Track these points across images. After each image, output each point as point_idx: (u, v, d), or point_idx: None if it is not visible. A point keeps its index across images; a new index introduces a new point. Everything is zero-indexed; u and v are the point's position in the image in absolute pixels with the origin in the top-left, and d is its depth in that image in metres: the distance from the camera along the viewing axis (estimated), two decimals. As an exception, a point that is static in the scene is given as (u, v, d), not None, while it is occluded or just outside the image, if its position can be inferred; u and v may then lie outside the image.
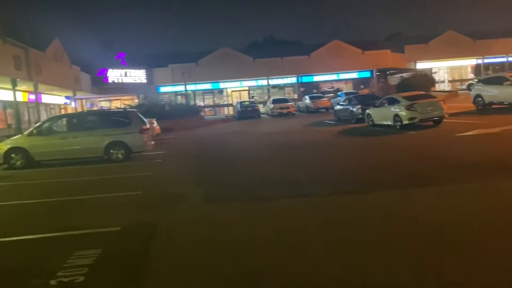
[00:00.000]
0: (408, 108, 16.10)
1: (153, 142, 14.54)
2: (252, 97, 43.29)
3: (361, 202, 6.49)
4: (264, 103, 40.00)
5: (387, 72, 42.44)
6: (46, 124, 14.09)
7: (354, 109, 21.77)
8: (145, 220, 6.33)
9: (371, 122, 18.89)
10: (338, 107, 24.49)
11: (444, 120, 16.66)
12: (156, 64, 41.13)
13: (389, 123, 17.12)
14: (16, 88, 20.09)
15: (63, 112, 32.51)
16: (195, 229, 5.68)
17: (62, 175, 11.69)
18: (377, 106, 18.61)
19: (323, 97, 35.75)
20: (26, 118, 25.27)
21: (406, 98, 16.80)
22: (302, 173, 9.39)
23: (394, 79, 43.21)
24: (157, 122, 23.09)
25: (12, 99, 23.30)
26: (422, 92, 18.48)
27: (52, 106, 32.33)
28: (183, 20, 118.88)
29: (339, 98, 33.91)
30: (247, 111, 33.78)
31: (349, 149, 13.18)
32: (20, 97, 24.63)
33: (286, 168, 10.21)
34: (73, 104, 35.03)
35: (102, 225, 6.08)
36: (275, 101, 35.02)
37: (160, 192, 8.52)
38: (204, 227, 5.73)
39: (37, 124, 14.71)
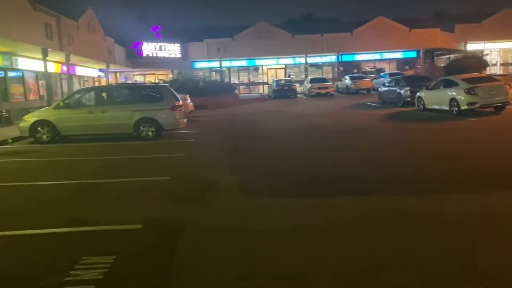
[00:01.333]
0: (468, 91, 14.47)
1: (185, 120, 13.75)
2: (289, 75, 41.90)
3: (435, 205, 5.27)
4: (301, 82, 38.73)
5: (434, 53, 39.89)
6: (74, 97, 13.52)
7: (402, 91, 20.20)
8: (172, 214, 5.39)
9: (422, 106, 17.35)
10: (383, 88, 22.90)
11: (506, 106, 14.94)
12: (191, 39, 40.40)
13: (444, 107, 15.57)
14: (48, 58, 19.76)
15: (96, 84, 32.47)
16: (231, 234, 4.64)
17: (86, 153, 11.00)
18: (430, 89, 17.00)
19: (365, 78, 34.00)
20: (59, 89, 25.02)
21: (465, 80, 15.13)
22: (352, 163, 8.21)
23: (441, 61, 40.65)
24: (191, 99, 22.54)
25: (50, 70, 23.28)
26: (484, 75, 16.68)
27: (85, 79, 32.19)
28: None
29: (382, 79, 32.40)
30: (283, 90, 32.77)
31: (401, 136, 11.81)
32: (53, 68, 24.35)
33: (333, 157, 9.05)
34: (107, 77, 34.92)
35: (122, 220, 5.18)
36: (313, 81, 33.67)
37: (191, 179, 7.54)
38: (242, 231, 4.70)
39: (65, 97, 14.11)
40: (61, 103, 13.19)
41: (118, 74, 42.70)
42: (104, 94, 13.57)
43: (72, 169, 8.97)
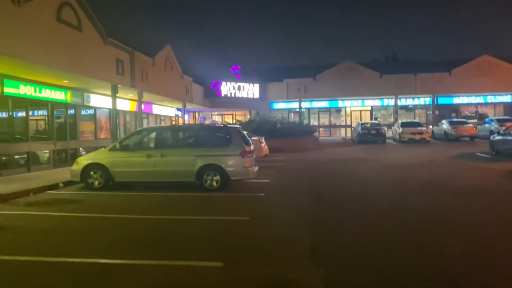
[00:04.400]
0: None
1: (256, 168, 11.99)
2: (375, 118, 40.09)
3: None
4: (389, 126, 36.86)
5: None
6: (132, 138, 12.36)
7: (527, 141, 16.55)
8: None
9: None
10: (497, 137, 19.33)
11: None
12: (271, 79, 40.51)
13: None
14: (120, 95, 19.18)
15: (174, 124, 32.85)
16: None
17: (132, 207, 9.33)
18: None
19: (467, 123, 30.11)
20: (134, 128, 24.70)
21: None
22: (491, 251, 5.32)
23: None
24: (267, 141, 21.74)
25: (122, 108, 23.56)
26: None
27: (162, 117, 32.60)
28: (300, 33, 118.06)
29: (488, 125, 28.58)
30: (370, 134, 30.63)
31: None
32: (127, 105, 24.38)
33: (459, 235, 6.20)
34: (185, 117, 34.97)
35: None
36: (405, 124, 30.93)
37: (253, 268, 5.16)
38: None
39: (122, 137, 12.92)
40: (117, 145, 11.95)
41: (197, 113, 43.66)
42: (165, 136, 12.40)
43: (105, 234, 7.07)
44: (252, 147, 11.98)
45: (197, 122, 40.28)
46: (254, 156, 12.14)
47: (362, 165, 17.11)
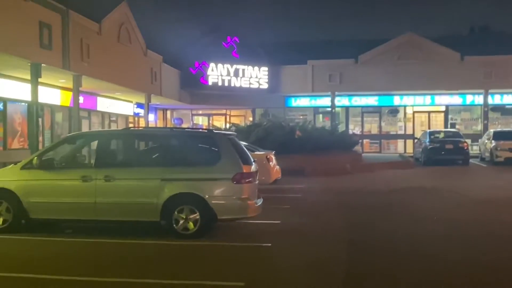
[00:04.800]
0: None
1: (260, 202, 12.00)
2: (453, 124, 40.62)
3: None
4: (475, 137, 37.96)
5: None
6: (59, 150, 12.53)
7: None
8: None
9: None
10: None
11: None
12: (287, 60, 40.60)
13: None
14: (45, 81, 19.86)
15: (131, 127, 33.11)
16: None
17: (54, 267, 9.02)
18: None
19: None
20: (66, 132, 24.85)
21: None
22: None
23: None
24: (278, 159, 21.70)
25: (49, 101, 23.69)
26: None
27: (113, 117, 33.21)
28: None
29: None
30: (443, 150, 31.23)
31: None
32: (57, 97, 24.67)
33: None
34: (151, 117, 35.11)
35: None
36: (499, 136, 31.25)
37: None
38: None
39: (42, 149, 13.06)
40: (35, 160, 11.78)
41: (168, 112, 44.59)
42: (113, 147, 12.63)
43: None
44: (253, 167, 11.97)
45: (169, 126, 40.26)
46: (257, 181, 12.14)
47: (436, 201, 16.94)
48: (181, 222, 11.15)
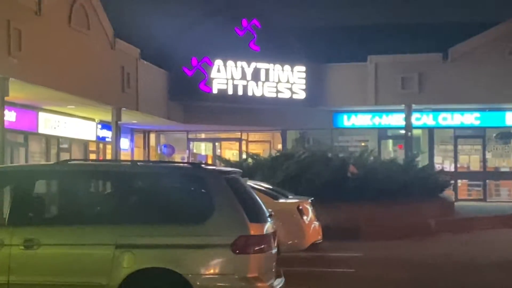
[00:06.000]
0: None
1: (279, 284, 11.91)
2: None
3: None
4: None
5: None
6: None
7: None
8: None
9: None
10: None
11: None
12: (335, 56, 41.10)
13: None
14: None
15: (93, 159, 34.46)
16: None
17: None
18: None
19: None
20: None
21: None
22: None
23: None
24: (319, 210, 21.82)
25: None
26: None
27: (64, 144, 34.02)
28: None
29: None
30: None
31: None
32: None
33: None
34: (125, 144, 36.92)
35: None
36: None
37: None
38: None
39: None
40: None
41: (152, 135, 45.67)
42: (40, 190, 12.95)
43: None
44: (267, 227, 11.97)
45: (152, 158, 42.10)
46: (275, 249, 12.22)
47: None
48: (149, 317, 11.48)
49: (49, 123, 30.86)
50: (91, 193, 13.21)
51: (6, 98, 22.37)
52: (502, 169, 43.07)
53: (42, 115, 30.08)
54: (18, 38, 21.61)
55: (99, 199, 13.00)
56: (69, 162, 16.41)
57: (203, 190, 11.96)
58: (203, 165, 15.16)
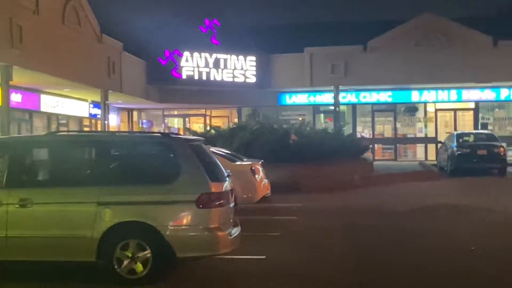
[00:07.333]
0: None
1: (236, 232, 11.50)
2: (485, 125, 41.16)
3: None
4: (511, 139, 37.88)
5: None
6: None
7: None
8: None
9: None
10: None
11: None
12: (279, 47, 40.86)
13: None
14: None
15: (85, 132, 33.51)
16: None
17: None
18: None
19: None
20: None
21: None
22: None
23: None
24: (268, 170, 21.52)
25: None
26: None
27: (62, 119, 33.40)
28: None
29: None
30: (474, 157, 31.41)
31: None
32: None
33: None
34: (112, 118, 36.52)
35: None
36: None
37: None
38: None
39: None
40: None
41: (134, 113, 45.40)
42: (32, 157, 12.19)
43: None
44: (226, 185, 11.63)
45: (135, 130, 41.06)
46: (232, 204, 11.80)
47: (472, 226, 16.61)
48: (126, 262, 10.59)
49: (50, 103, 30.63)
50: (76, 159, 12.60)
51: (11, 83, 22.06)
52: (408, 136, 43.05)
53: (43, 97, 29.88)
54: (19, 32, 21.31)
55: (83, 164, 12.51)
56: (57, 133, 16.39)
57: (171, 155, 11.72)
58: (171, 134, 14.88)
